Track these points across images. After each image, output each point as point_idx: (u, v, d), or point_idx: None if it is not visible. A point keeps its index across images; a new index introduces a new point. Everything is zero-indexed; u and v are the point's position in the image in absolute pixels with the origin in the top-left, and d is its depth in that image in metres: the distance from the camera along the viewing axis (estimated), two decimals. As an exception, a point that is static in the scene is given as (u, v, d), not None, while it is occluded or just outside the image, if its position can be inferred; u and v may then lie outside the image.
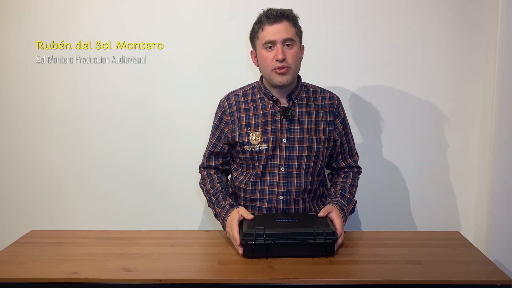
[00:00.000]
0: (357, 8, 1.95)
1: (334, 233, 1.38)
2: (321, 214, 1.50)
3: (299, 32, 1.55)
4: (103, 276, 1.30)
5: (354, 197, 1.66)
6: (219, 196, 1.60)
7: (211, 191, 1.63)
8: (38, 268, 1.36)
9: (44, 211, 2.18)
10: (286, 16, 1.49)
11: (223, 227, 1.57)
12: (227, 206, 1.55)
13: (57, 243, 1.54)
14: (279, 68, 1.50)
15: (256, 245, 1.36)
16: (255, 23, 1.54)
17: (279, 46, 1.48)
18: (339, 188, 1.64)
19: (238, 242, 1.41)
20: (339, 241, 1.43)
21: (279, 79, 1.52)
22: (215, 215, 1.61)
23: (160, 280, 1.28)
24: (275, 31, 1.48)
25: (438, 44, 1.96)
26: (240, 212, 1.49)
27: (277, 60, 1.49)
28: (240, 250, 1.40)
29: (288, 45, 1.50)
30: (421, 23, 1.95)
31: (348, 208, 1.60)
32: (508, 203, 1.66)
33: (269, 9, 1.51)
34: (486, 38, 1.92)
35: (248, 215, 1.48)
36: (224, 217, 1.54)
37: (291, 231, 1.39)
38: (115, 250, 1.48)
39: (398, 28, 1.96)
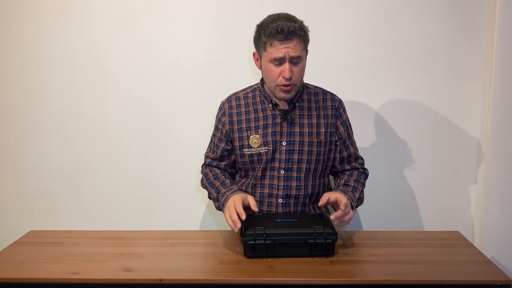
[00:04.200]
0: (356, 9, 1.95)
1: (334, 233, 1.38)
2: (320, 203, 1.46)
3: (306, 45, 1.51)
4: (103, 276, 1.30)
5: (358, 187, 1.60)
6: (225, 181, 1.59)
7: (216, 181, 1.61)
8: (38, 268, 1.36)
9: (44, 211, 2.18)
10: (297, 35, 1.44)
11: (221, 204, 1.52)
12: (235, 188, 1.54)
13: (57, 243, 1.54)
14: (284, 85, 1.49)
15: (256, 245, 1.36)
16: (264, 33, 1.46)
17: (286, 65, 1.45)
18: (342, 182, 1.62)
19: (241, 213, 1.37)
20: (350, 215, 1.41)
21: (282, 95, 1.52)
22: (217, 199, 1.57)
23: (160, 280, 1.28)
24: (285, 48, 1.44)
25: (438, 45, 1.95)
26: (249, 198, 1.46)
27: (283, 77, 1.47)
28: (238, 225, 1.37)
29: (295, 61, 1.47)
30: (421, 24, 1.94)
31: (353, 194, 1.54)
32: (504, 202, 1.67)
33: (280, 22, 1.42)
34: (485, 38, 1.92)
35: (255, 207, 1.44)
36: (228, 196, 1.50)
37: (291, 231, 1.39)
38: (115, 250, 1.48)
39: (398, 30, 1.95)
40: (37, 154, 2.14)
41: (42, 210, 2.18)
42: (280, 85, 1.49)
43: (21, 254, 1.45)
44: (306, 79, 1.67)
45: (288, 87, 1.49)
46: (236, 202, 1.42)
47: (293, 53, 1.45)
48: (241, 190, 1.57)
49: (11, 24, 2.03)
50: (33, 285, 1.30)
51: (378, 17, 1.95)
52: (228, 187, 1.56)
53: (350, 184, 1.59)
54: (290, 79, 1.47)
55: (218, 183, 1.61)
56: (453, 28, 1.94)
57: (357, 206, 1.58)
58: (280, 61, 1.46)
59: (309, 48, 1.57)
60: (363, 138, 2.01)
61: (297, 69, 1.48)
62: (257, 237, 1.36)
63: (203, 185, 1.70)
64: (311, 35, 1.52)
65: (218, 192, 1.59)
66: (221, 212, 2.08)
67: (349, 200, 1.46)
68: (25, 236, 1.61)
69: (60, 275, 1.31)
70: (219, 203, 1.57)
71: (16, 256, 1.44)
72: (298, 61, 1.47)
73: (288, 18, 1.47)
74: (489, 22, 1.89)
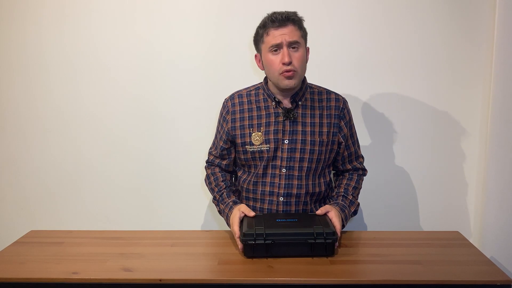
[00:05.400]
0: (357, 10, 1.95)
1: (334, 233, 1.39)
2: (319, 212, 1.52)
3: (304, 35, 1.53)
4: (103, 276, 1.30)
5: (357, 199, 1.65)
6: (223, 193, 1.63)
7: (216, 189, 1.66)
8: (38, 268, 1.36)
9: (44, 211, 2.18)
10: (291, 20, 1.47)
11: (227, 223, 1.59)
12: (231, 203, 1.58)
13: (57, 243, 1.54)
14: (287, 71, 1.49)
15: (256, 245, 1.36)
16: (260, 27, 1.52)
17: (285, 49, 1.47)
18: (341, 190, 1.65)
19: (237, 235, 1.43)
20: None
21: (286, 83, 1.51)
22: (220, 212, 1.64)
23: (160, 280, 1.28)
24: (281, 34, 1.47)
25: (438, 46, 1.96)
26: (241, 210, 1.52)
27: (283, 64, 1.48)
28: (240, 246, 1.42)
29: (293, 47, 1.48)
30: (421, 24, 1.94)
31: (349, 210, 1.60)
32: (503, 202, 1.67)
33: (274, 13, 1.49)
34: (485, 38, 1.92)
35: (250, 212, 1.50)
36: (227, 214, 1.57)
37: (291, 231, 1.39)
38: (115, 250, 1.48)
39: (398, 31, 1.95)
40: (37, 154, 2.14)
41: (42, 210, 2.18)
42: (282, 72, 1.50)
43: (21, 254, 1.45)
44: (307, 79, 1.67)
45: (290, 72, 1.49)
46: (233, 225, 1.48)
47: (290, 38, 1.47)
48: (235, 202, 1.59)
49: (11, 24, 2.04)
50: (33, 285, 1.30)
51: (378, 19, 1.95)
52: (226, 203, 1.60)
53: (349, 197, 1.63)
54: (290, 64, 1.48)
55: (218, 196, 1.64)
56: (453, 29, 1.94)
57: (351, 217, 1.63)
58: (277, 47, 1.48)
59: (310, 48, 1.57)
60: (363, 138, 2.01)
61: (296, 56, 1.49)
62: (257, 237, 1.37)
63: (206, 185, 1.74)
64: (312, 35, 1.53)
65: (218, 205, 1.65)
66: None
67: (342, 219, 1.53)
68: (25, 236, 1.61)
69: (60, 275, 1.31)
70: (221, 215, 1.65)
71: (16, 256, 1.44)
72: (296, 47, 1.49)
73: (282, 10, 1.50)
74: (488, 22, 1.89)
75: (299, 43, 1.49)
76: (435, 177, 2.06)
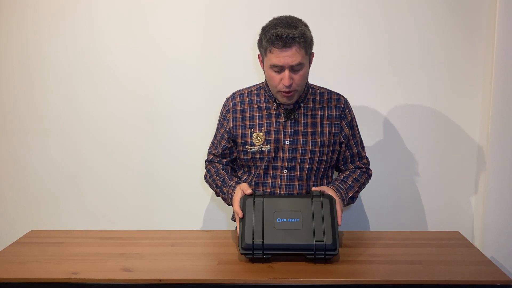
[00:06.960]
0: (357, 11, 1.95)
1: (335, 249, 1.34)
2: (313, 188, 1.49)
3: (309, 51, 1.48)
4: (103, 276, 1.30)
5: (356, 188, 1.61)
6: (225, 178, 1.61)
7: (217, 177, 1.63)
8: (38, 268, 1.36)
9: (45, 211, 2.18)
10: (297, 42, 1.41)
11: (229, 203, 1.57)
12: (234, 184, 1.56)
13: (57, 243, 1.54)
14: (285, 92, 1.49)
15: (254, 258, 1.35)
16: (265, 38, 1.45)
17: (286, 72, 1.45)
18: (341, 177, 1.63)
19: (240, 215, 1.41)
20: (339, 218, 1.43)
21: (284, 101, 1.53)
22: (224, 199, 1.61)
23: (160, 280, 1.28)
24: (284, 56, 1.43)
25: (438, 45, 1.96)
26: (242, 188, 1.49)
27: (283, 84, 1.47)
28: (238, 219, 1.42)
29: (296, 69, 1.46)
30: (422, 25, 1.94)
31: (346, 192, 1.56)
32: (504, 202, 1.67)
33: (280, 30, 1.40)
34: (485, 40, 1.92)
35: (247, 189, 1.46)
36: (231, 195, 1.53)
37: (291, 242, 1.35)
38: (115, 250, 1.48)
39: (399, 31, 1.95)
40: (37, 154, 2.14)
41: (42, 210, 2.18)
42: (281, 91, 1.50)
43: (21, 254, 1.45)
44: (308, 80, 1.67)
45: (290, 93, 1.50)
46: (235, 205, 1.46)
47: (292, 62, 1.43)
48: (238, 182, 1.56)
49: (11, 24, 2.04)
50: (33, 285, 1.30)
51: (378, 19, 1.95)
52: (229, 185, 1.57)
53: (348, 182, 1.60)
54: (290, 86, 1.47)
55: (220, 183, 1.61)
56: (453, 29, 1.94)
57: (347, 204, 1.59)
58: (279, 69, 1.46)
59: (318, 49, 1.55)
60: (364, 139, 2.01)
61: (298, 76, 1.47)
62: (256, 251, 1.34)
63: (206, 181, 1.72)
64: (313, 35, 1.51)
65: (221, 191, 1.61)
66: (222, 212, 2.08)
67: (338, 198, 1.49)
68: (25, 236, 1.61)
69: (60, 275, 1.31)
70: (227, 201, 1.61)
71: (16, 256, 1.44)
72: (299, 68, 1.46)
73: (289, 23, 1.44)
74: (489, 22, 1.89)
75: (302, 64, 1.46)
76: (436, 177, 2.06)
